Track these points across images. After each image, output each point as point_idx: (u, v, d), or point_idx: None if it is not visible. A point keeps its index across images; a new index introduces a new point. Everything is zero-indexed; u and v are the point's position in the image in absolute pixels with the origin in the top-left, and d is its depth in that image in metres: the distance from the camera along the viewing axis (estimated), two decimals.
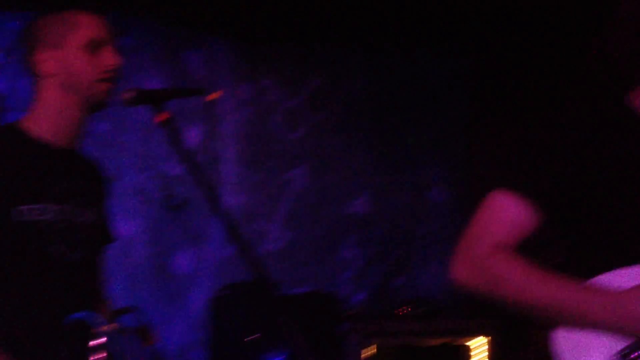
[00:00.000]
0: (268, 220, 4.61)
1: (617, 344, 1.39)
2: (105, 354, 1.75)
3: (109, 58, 1.89)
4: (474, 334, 3.88)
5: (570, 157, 1.51)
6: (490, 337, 3.83)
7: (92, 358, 1.74)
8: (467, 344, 3.86)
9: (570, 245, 1.56)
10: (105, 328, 1.78)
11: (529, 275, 1.47)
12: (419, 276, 4.74)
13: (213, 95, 2.04)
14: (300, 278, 4.50)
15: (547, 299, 1.44)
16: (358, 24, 4.44)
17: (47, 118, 1.91)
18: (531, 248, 1.61)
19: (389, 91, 4.86)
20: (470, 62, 4.92)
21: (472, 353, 3.85)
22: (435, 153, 4.89)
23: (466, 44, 4.81)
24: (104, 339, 1.77)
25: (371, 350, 3.61)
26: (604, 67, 1.56)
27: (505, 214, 1.53)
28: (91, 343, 1.76)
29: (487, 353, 3.81)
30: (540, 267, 1.48)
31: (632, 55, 1.52)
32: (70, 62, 1.88)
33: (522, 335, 3.95)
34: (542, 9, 3.97)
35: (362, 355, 3.56)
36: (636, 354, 1.37)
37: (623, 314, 1.37)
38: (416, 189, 4.86)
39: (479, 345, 3.88)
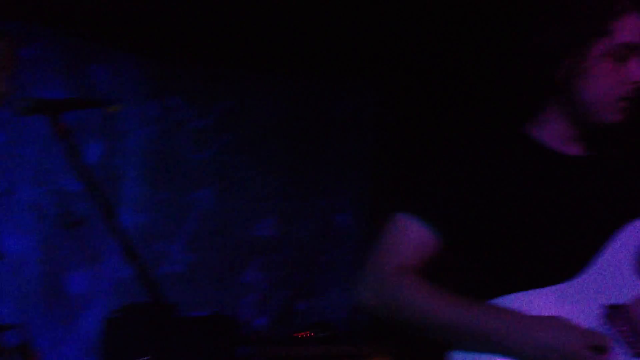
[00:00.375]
0: (170, 241, 4.51)
1: None
2: None
3: None
4: (375, 358, 3.92)
5: (471, 184, 1.54)
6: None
7: None
8: None
9: (470, 270, 1.59)
10: None
11: (433, 296, 1.47)
12: (322, 301, 4.75)
13: (113, 108, 1.97)
14: (201, 301, 4.41)
15: (452, 321, 1.44)
16: (273, 50, 4.46)
17: None
18: (434, 271, 1.65)
19: (299, 117, 4.89)
20: (378, 93, 5.03)
21: None
22: (343, 179, 4.95)
23: (375, 75, 4.92)
24: None
25: None
26: (506, 97, 1.61)
27: (408, 237, 1.54)
28: None
29: None
30: (444, 289, 1.49)
31: (532, 85, 1.57)
32: None
33: (420, 357, 4.04)
34: (446, 43, 4.11)
35: None
36: None
37: (527, 339, 1.38)
38: (323, 214, 4.89)
39: None
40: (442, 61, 4.35)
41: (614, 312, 1.42)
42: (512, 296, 1.45)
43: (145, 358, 2.36)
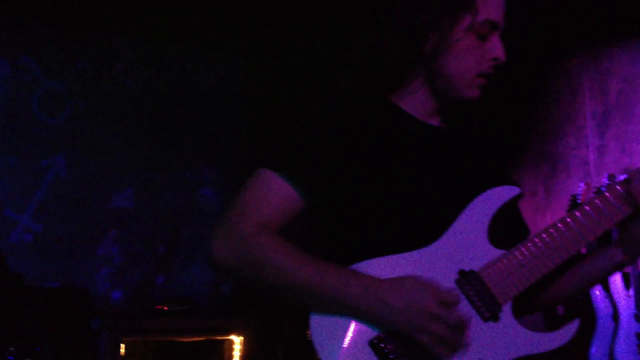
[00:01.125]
0: (18, 210, 4.24)
1: (370, 332, 1.41)
2: None
3: None
4: (230, 333, 3.92)
5: (333, 143, 1.53)
6: (243, 336, 3.89)
7: None
8: (223, 340, 3.89)
9: (332, 234, 1.57)
10: None
11: (292, 257, 1.44)
12: (183, 275, 4.67)
13: None
14: (53, 272, 4.20)
15: (309, 281, 1.42)
16: (137, 13, 4.28)
17: None
18: (297, 234, 1.62)
19: (163, 86, 4.74)
20: (244, 63, 4.98)
21: (227, 350, 3.89)
22: (208, 152, 4.86)
23: (241, 46, 4.86)
24: None
25: (124, 347, 3.48)
26: (374, 66, 1.60)
27: (271, 194, 1.50)
28: None
29: (240, 352, 3.87)
30: (304, 250, 1.46)
31: (399, 56, 1.58)
32: None
33: (276, 334, 4.09)
34: (312, 9, 4.13)
35: (121, 351, 3.42)
36: (389, 346, 1.40)
37: (379, 302, 1.39)
38: (186, 187, 4.78)
39: (235, 343, 3.93)
40: (309, 28, 4.37)
41: (465, 278, 1.46)
42: (370, 261, 1.46)
43: (10, 349, 2.21)
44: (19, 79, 4.31)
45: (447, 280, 1.45)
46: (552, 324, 3.85)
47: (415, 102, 1.62)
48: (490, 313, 1.45)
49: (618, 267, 1.62)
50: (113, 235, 4.49)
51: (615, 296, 3.61)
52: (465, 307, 1.43)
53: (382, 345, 1.39)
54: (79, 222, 4.39)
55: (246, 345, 3.85)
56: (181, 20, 4.44)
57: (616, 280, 3.65)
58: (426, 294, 1.39)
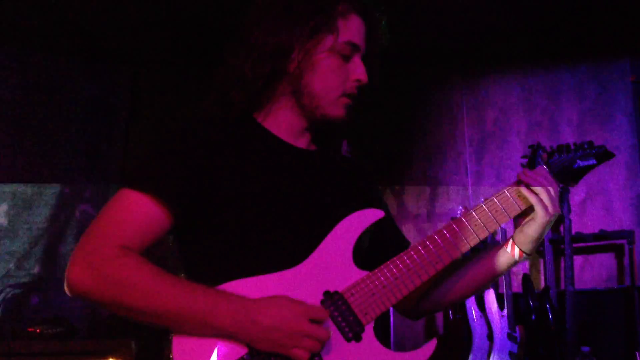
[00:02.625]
0: None
1: (234, 354, 1.40)
2: None
3: None
4: (111, 355, 3.76)
5: (197, 162, 1.51)
6: (122, 359, 3.75)
7: None
8: None
9: (198, 254, 1.55)
10: None
11: (157, 278, 1.40)
12: (57, 296, 4.44)
13: None
14: None
15: (175, 302, 1.39)
16: (13, 22, 4.10)
17: None
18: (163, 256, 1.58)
19: (40, 97, 4.53)
20: (129, 75, 4.86)
21: None
22: (88, 166, 4.68)
23: (125, 58, 4.75)
24: None
25: None
26: (239, 85, 1.60)
27: (132, 213, 1.45)
28: None
29: None
30: (168, 273, 1.42)
31: (260, 78, 1.59)
32: None
33: (157, 355, 3.98)
34: (188, 24, 4.14)
35: None
36: (256, 358, 1.40)
37: (249, 322, 1.39)
38: (63, 203, 4.57)
39: None
40: (195, 39, 4.35)
41: (329, 299, 1.49)
42: (237, 282, 1.45)
43: None
44: None
45: (313, 300, 1.47)
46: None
47: (280, 122, 1.64)
48: (353, 333, 1.48)
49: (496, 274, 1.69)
50: None
51: (490, 316, 3.78)
52: (328, 322, 1.46)
53: None
54: None
55: None
56: (64, 29, 4.28)
57: (491, 300, 3.82)
58: (296, 312, 1.41)
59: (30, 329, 3.57)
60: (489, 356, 3.67)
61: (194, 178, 1.50)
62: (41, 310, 4.32)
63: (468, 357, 3.71)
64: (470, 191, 4.57)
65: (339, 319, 1.47)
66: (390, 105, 4.89)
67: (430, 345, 1.52)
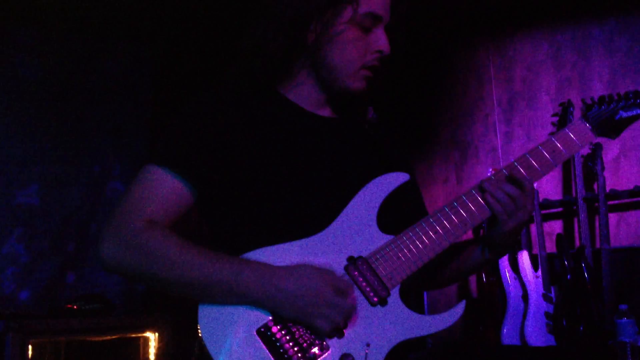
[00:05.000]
0: None
1: (256, 322, 1.42)
2: None
3: None
4: (145, 330, 3.83)
5: (217, 135, 1.53)
6: (159, 333, 3.81)
7: None
8: (138, 337, 3.80)
9: (223, 224, 1.57)
10: None
11: (184, 249, 1.43)
12: (93, 272, 4.51)
13: None
14: None
15: (201, 271, 1.41)
16: (35, 1, 4.10)
17: None
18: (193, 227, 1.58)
19: (66, 77, 4.55)
20: (149, 54, 4.86)
21: (142, 347, 3.81)
22: (116, 144, 4.71)
23: (147, 35, 4.74)
24: None
25: (31, 349, 3.34)
26: (260, 56, 1.60)
27: (158, 189, 1.49)
28: None
29: (155, 349, 3.80)
30: (194, 243, 1.45)
31: (280, 50, 1.59)
32: None
33: (191, 329, 4.03)
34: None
35: (28, 353, 3.28)
36: (277, 334, 1.41)
37: (273, 288, 1.40)
38: (93, 181, 4.62)
39: (150, 340, 3.85)
40: (216, 17, 4.32)
41: (353, 264, 1.49)
42: (260, 250, 1.46)
43: None
44: None
45: (337, 266, 1.48)
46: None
47: (303, 93, 1.64)
48: (378, 298, 1.48)
49: (485, 264, 1.69)
50: (18, 233, 4.29)
51: (524, 277, 3.75)
52: (354, 293, 1.46)
53: (269, 334, 1.41)
54: None
55: (162, 342, 3.77)
56: (84, 7, 4.28)
57: (524, 261, 3.79)
58: (321, 281, 1.41)
59: (68, 306, 3.64)
60: (524, 317, 3.65)
61: (216, 152, 1.52)
62: (77, 287, 4.39)
63: (503, 319, 3.69)
64: (500, 153, 4.50)
65: (364, 284, 1.47)
66: (416, 68, 4.82)
67: (459, 308, 1.51)
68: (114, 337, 3.71)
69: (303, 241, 1.48)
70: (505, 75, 4.60)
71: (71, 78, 4.57)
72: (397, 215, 1.61)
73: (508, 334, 3.64)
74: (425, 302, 3.93)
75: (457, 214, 1.55)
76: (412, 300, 1.60)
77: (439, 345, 3.15)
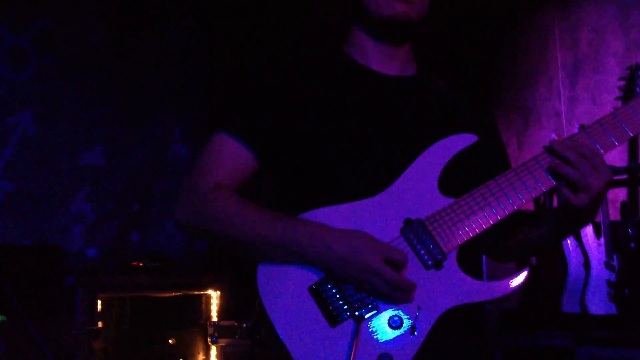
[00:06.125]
0: None
1: (309, 279, 1.45)
2: None
3: None
4: (207, 287, 3.93)
5: (282, 99, 1.56)
6: (220, 291, 3.91)
7: None
8: (201, 295, 3.91)
9: (284, 185, 1.60)
10: None
11: (244, 210, 1.49)
12: (157, 232, 4.64)
13: None
14: (25, 231, 4.14)
15: (258, 230, 1.46)
16: None
17: None
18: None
19: (128, 42, 4.63)
20: (206, 18, 4.89)
21: (205, 304, 3.92)
22: (175, 108, 4.79)
23: (203, 2, 4.77)
24: None
25: (100, 303, 3.48)
26: (323, 20, 1.63)
27: (224, 155, 1.56)
28: None
29: (217, 306, 3.89)
30: (255, 204, 1.50)
31: (343, 11, 1.61)
32: None
33: (252, 287, 4.11)
34: None
35: (97, 308, 3.43)
36: (328, 292, 1.43)
37: (324, 247, 1.42)
38: (155, 143, 4.72)
39: (212, 298, 3.95)
40: None
41: (409, 226, 1.48)
42: (318, 210, 1.48)
43: None
44: None
45: (393, 228, 1.47)
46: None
47: (363, 49, 1.64)
48: (433, 261, 1.46)
49: (552, 240, 1.62)
50: (85, 193, 4.43)
51: (586, 245, 3.69)
52: (408, 256, 1.45)
53: (320, 291, 1.43)
54: (50, 179, 4.32)
55: (223, 300, 3.87)
56: None
57: (587, 229, 3.72)
58: (372, 248, 1.41)
59: (133, 263, 3.77)
60: (585, 285, 3.60)
61: (278, 116, 1.55)
62: (141, 245, 4.53)
63: (564, 287, 3.65)
64: (563, 118, 4.40)
65: (418, 246, 1.46)
66: (477, 30, 4.73)
67: (519, 277, 1.48)
68: (177, 294, 3.83)
69: (362, 202, 1.49)
70: (570, 38, 4.47)
71: (133, 44, 4.65)
72: (462, 177, 1.56)
73: (568, 302, 3.60)
74: (485, 269, 3.91)
75: (523, 178, 1.49)
76: (474, 265, 1.57)
77: (497, 311, 3.15)
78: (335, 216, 1.47)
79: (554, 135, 3.99)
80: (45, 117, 4.35)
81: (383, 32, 1.62)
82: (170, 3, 4.78)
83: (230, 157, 1.55)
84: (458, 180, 1.55)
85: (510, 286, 1.46)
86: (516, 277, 1.47)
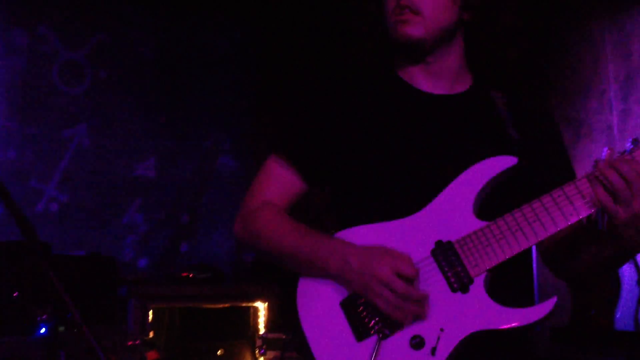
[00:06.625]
0: (42, 180, 4.27)
1: (341, 295, 1.50)
2: None
3: None
4: (254, 299, 3.96)
5: (331, 121, 1.60)
6: (268, 302, 3.94)
7: None
8: (249, 307, 3.94)
9: (334, 202, 1.66)
10: None
11: (282, 226, 1.59)
12: (205, 243, 4.70)
13: None
14: (78, 241, 4.25)
15: (291, 246, 1.56)
16: None
17: None
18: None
19: (178, 56, 4.73)
20: (256, 31, 4.95)
21: (252, 316, 3.95)
22: (224, 121, 4.86)
23: (254, 12, 4.83)
24: None
25: (151, 313, 3.54)
26: (378, 42, 1.65)
27: (274, 176, 1.66)
28: None
29: (264, 318, 3.92)
30: (295, 221, 1.60)
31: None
32: None
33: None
34: None
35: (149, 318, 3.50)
36: (358, 308, 1.48)
37: (343, 262, 1.48)
38: (204, 155, 4.79)
39: (260, 310, 3.98)
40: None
41: (439, 248, 1.48)
42: (354, 229, 1.54)
43: (14, 294, 2.28)
44: (37, 49, 4.31)
45: (423, 250, 1.48)
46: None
47: (410, 72, 1.64)
48: (459, 284, 1.46)
49: (612, 260, 1.55)
50: (137, 204, 4.52)
51: None
52: (436, 277, 1.46)
53: (351, 306, 1.48)
54: (104, 191, 4.43)
55: (271, 312, 3.90)
56: None
57: None
58: (384, 262, 1.45)
59: (183, 274, 3.82)
60: (638, 303, 3.53)
61: (325, 137, 1.61)
62: (190, 256, 4.60)
63: (616, 304, 3.58)
64: (615, 131, 4.32)
65: (446, 268, 1.47)
66: (527, 43, 4.68)
67: (547, 306, 1.43)
68: (225, 305, 3.86)
69: (397, 222, 1.51)
70: (623, 50, 4.40)
71: (183, 56, 4.74)
72: (500, 200, 1.53)
73: (622, 319, 3.52)
74: (536, 286, 3.85)
75: (560, 204, 1.45)
76: (516, 286, 1.53)
77: (548, 328, 3.10)
78: (369, 235, 1.51)
79: (606, 149, 3.92)
80: (100, 130, 4.46)
81: (405, 54, 1.64)
82: (220, 16, 4.86)
83: (280, 179, 1.65)
84: (495, 203, 1.52)
85: (537, 314, 1.43)
86: (543, 305, 1.44)
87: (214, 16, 4.85)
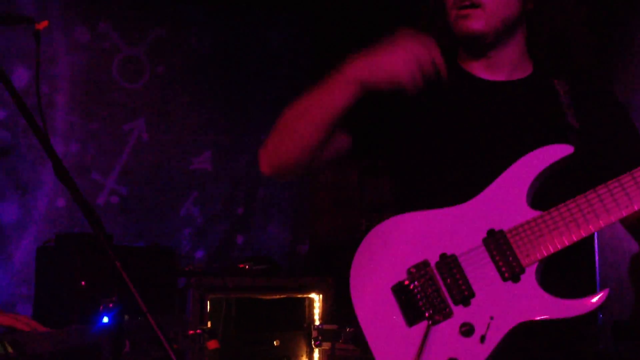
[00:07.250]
0: (103, 173, 4.38)
1: (392, 279, 1.52)
2: None
3: None
4: (309, 291, 3.99)
5: (388, 106, 1.61)
6: (323, 294, 3.96)
7: None
8: (304, 298, 3.97)
9: (394, 186, 1.68)
10: None
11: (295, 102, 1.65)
12: (261, 235, 4.76)
13: (42, 24, 1.83)
14: (137, 233, 4.35)
15: (302, 102, 1.67)
16: None
17: None
18: None
19: (233, 50, 4.78)
20: (311, 24, 4.96)
21: (308, 307, 3.98)
22: (279, 114, 4.88)
23: (309, 7, 4.84)
24: None
25: (209, 304, 3.61)
26: (440, 33, 1.64)
27: None
28: None
29: (319, 309, 3.95)
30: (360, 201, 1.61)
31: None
32: None
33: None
34: None
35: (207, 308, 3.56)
36: (408, 293, 1.49)
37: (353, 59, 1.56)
38: (258, 149, 4.83)
39: (315, 301, 4.01)
40: None
41: (491, 237, 1.47)
42: (407, 215, 1.54)
43: (82, 285, 2.35)
44: (98, 45, 4.41)
45: (475, 238, 1.48)
46: None
47: (471, 62, 1.65)
48: (510, 274, 1.45)
49: None
50: (193, 197, 4.60)
51: None
52: (487, 266, 1.46)
53: (402, 291, 1.50)
54: (162, 184, 4.52)
55: (326, 303, 3.92)
56: None
57: None
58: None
59: (240, 266, 3.88)
60: None
61: (381, 115, 1.63)
62: (245, 248, 4.66)
63: None
64: None
65: (497, 257, 1.46)
66: (591, 32, 4.56)
67: (599, 297, 1.42)
68: (281, 296, 3.90)
69: (449, 209, 1.51)
70: None
71: (238, 51, 4.79)
72: (555, 189, 1.52)
73: None
74: (598, 278, 3.78)
75: (616, 195, 1.43)
76: (572, 278, 1.52)
77: (610, 322, 3.03)
78: (421, 221, 1.52)
79: None
80: (158, 124, 4.55)
81: (468, 48, 1.64)
82: (275, 10, 4.88)
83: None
84: (551, 192, 1.51)
85: (588, 306, 1.42)
86: (595, 297, 1.43)
87: (270, 10, 4.88)
